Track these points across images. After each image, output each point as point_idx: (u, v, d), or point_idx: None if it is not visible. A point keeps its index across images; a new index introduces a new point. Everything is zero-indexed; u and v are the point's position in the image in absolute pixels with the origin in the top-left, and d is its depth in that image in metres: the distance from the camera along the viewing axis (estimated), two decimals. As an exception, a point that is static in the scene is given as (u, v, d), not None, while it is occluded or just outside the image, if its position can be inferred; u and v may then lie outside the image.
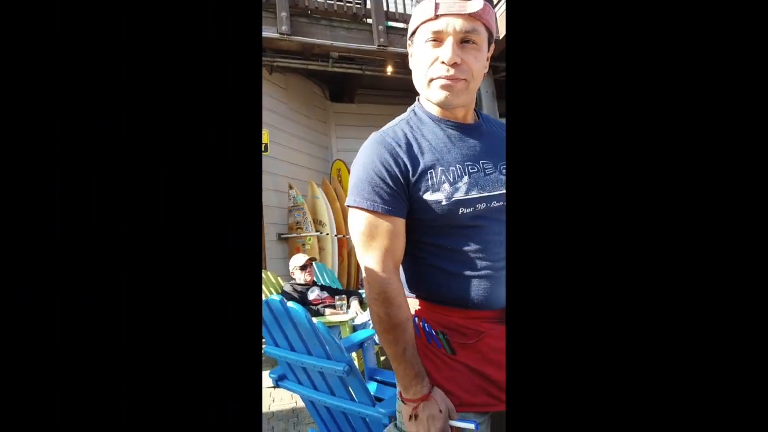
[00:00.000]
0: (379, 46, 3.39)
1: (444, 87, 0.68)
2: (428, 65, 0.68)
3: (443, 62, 0.67)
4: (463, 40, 0.67)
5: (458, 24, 0.66)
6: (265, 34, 3.08)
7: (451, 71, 0.67)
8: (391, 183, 0.69)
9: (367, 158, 0.71)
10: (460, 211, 0.70)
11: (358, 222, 0.71)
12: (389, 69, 3.62)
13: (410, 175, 0.69)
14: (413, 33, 0.72)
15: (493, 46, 0.73)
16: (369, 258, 0.71)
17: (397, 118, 0.77)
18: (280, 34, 3.19)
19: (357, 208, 0.71)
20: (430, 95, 0.71)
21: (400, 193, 0.70)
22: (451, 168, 0.71)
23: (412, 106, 0.77)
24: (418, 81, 0.72)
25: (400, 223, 0.70)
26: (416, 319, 0.74)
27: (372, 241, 0.70)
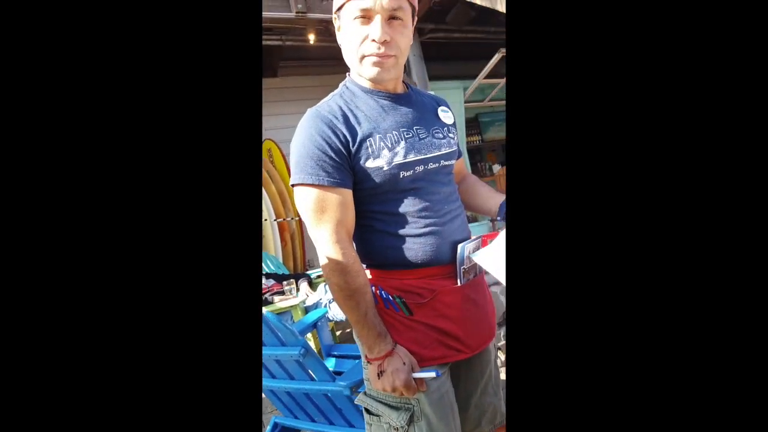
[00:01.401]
0: (297, 13, 3.18)
1: (375, 64, 0.73)
2: (359, 43, 0.73)
3: (374, 40, 0.71)
4: (391, 17, 0.71)
5: (386, 2, 0.70)
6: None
7: (382, 49, 0.72)
8: (333, 155, 0.71)
9: (305, 134, 0.73)
10: (401, 175, 0.74)
11: (307, 198, 0.73)
12: (311, 37, 3.44)
13: (350, 146, 0.72)
14: (339, 8, 0.74)
15: (415, 18, 0.78)
16: (322, 231, 0.73)
17: (331, 94, 0.79)
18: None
19: (303, 185, 0.72)
20: (362, 71, 0.75)
21: (343, 164, 0.72)
22: (387, 135, 0.74)
23: (344, 81, 0.81)
24: (349, 57, 0.76)
25: (348, 193, 0.73)
26: (373, 288, 0.78)
27: (323, 215, 0.72)
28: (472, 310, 0.81)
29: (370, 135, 0.73)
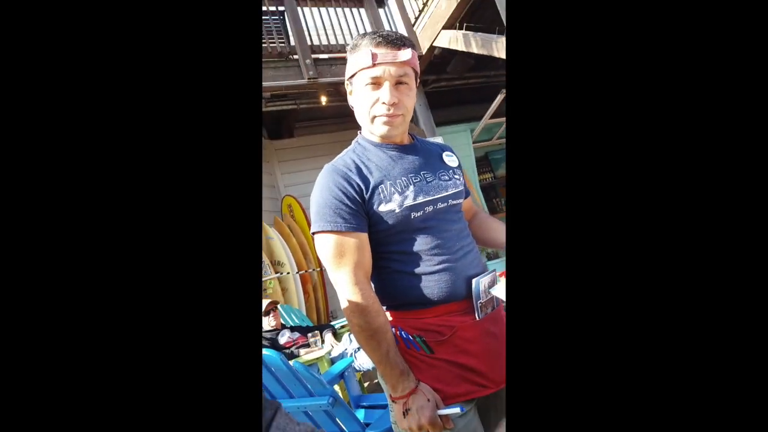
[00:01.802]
0: (309, 79, 3.45)
1: (386, 123, 0.82)
2: (370, 105, 0.82)
3: (384, 103, 0.80)
4: (398, 83, 0.81)
5: (393, 71, 0.80)
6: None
7: (391, 110, 0.81)
8: (349, 203, 0.78)
9: (323, 187, 0.80)
10: (412, 216, 0.80)
11: (326, 244, 0.78)
12: (323, 99, 3.69)
13: (364, 193, 0.79)
14: (352, 76, 0.84)
15: (418, 79, 0.88)
16: (341, 274, 0.78)
17: (344, 150, 0.88)
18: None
19: (322, 232, 0.79)
20: (373, 129, 0.84)
21: (358, 211, 0.79)
22: (397, 181, 0.81)
23: (356, 138, 0.90)
24: (362, 117, 0.85)
25: (364, 237, 0.79)
26: (393, 329, 0.81)
27: (341, 258, 0.77)
28: (493, 343, 0.82)
29: (381, 182, 0.80)
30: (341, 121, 4.18)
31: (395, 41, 0.81)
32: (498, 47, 2.80)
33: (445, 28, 3.20)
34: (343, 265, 0.77)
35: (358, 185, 0.79)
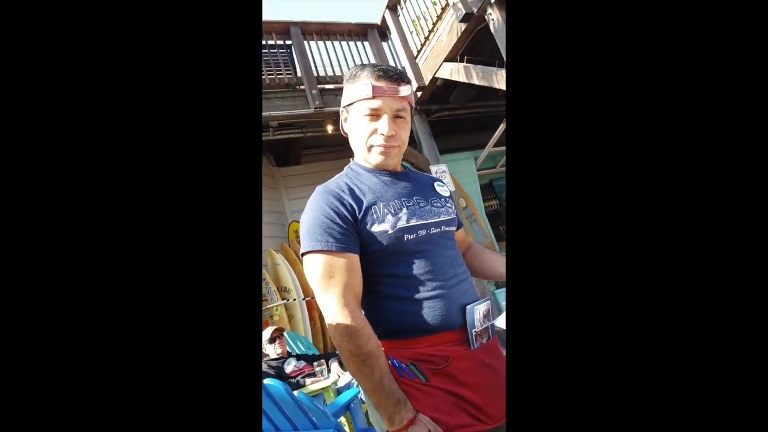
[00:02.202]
0: (315, 108, 3.55)
1: (382, 153, 0.84)
2: (368, 135, 0.83)
3: (382, 134, 0.82)
4: (395, 116, 0.83)
5: (393, 105, 0.82)
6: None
7: (389, 141, 0.83)
8: (340, 222, 0.76)
9: (314, 206, 0.79)
10: (405, 238, 0.78)
11: (315, 264, 0.75)
12: (329, 128, 3.78)
13: (357, 213, 0.78)
14: (350, 104, 0.85)
15: (412, 113, 0.91)
16: (329, 296, 0.74)
17: (337, 175, 0.88)
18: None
19: (311, 252, 0.76)
20: (369, 158, 0.85)
21: (350, 230, 0.76)
22: (390, 203, 0.81)
23: (348, 164, 0.90)
24: (358, 145, 0.86)
25: (355, 258, 0.76)
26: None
27: (330, 280, 0.74)
28: (489, 375, 0.78)
29: (374, 203, 0.79)
30: (346, 148, 4.25)
31: (395, 76, 0.83)
32: (498, 79, 2.88)
33: (446, 60, 3.30)
34: (332, 287, 0.73)
35: (351, 205, 0.78)
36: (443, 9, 3.27)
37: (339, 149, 4.40)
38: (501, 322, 0.80)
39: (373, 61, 3.87)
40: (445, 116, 4.19)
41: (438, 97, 3.84)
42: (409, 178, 0.89)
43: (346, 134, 0.90)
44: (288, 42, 3.79)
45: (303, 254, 0.77)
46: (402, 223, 0.78)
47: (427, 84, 3.59)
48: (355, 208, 0.78)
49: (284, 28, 3.64)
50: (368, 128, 0.83)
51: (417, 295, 0.77)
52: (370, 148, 0.84)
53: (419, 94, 3.68)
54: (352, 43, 3.89)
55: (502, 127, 3.99)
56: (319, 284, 0.75)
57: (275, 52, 3.73)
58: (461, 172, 4.40)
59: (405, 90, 0.83)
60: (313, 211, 0.78)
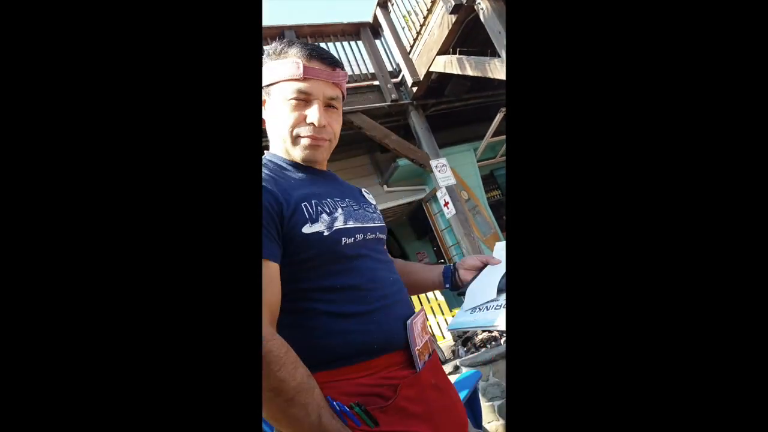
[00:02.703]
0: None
1: (311, 146, 0.71)
2: (294, 123, 0.70)
3: (312, 123, 0.70)
4: (328, 105, 0.72)
5: (327, 91, 0.71)
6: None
7: (319, 133, 0.71)
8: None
9: None
10: (343, 242, 0.66)
11: None
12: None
13: (283, 210, 0.63)
14: (271, 84, 0.72)
15: (342, 105, 0.79)
16: None
17: None
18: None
19: None
20: (293, 151, 0.72)
21: (271, 232, 0.61)
22: (323, 201, 0.68)
23: (264, 157, 0.75)
24: (279, 135, 0.72)
25: (274, 267, 0.60)
26: None
27: None
28: (436, 397, 0.68)
29: (306, 198, 0.66)
30: (349, 148, 4.28)
31: (330, 59, 0.72)
32: (491, 68, 2.89)
33: (439, 53, 3.31)
34: None
35: (277, 198, 0.63)
36: (433, 2, 3.28)
37: (337, 149, 4.41)
38: (501, 322, 0.69)
39: (368, 60, 3.89)
40: (442, 110, 4.19)
41: (433, 91, 3.85)
42: (336, 179, 0.80)
43: (265, 121, 0.75)
44: (281, 45, 3.82)
45: None
46: (339, 224, 0.66)
47: (422, 79, 3.60)
48: (282, 201, 0.63)
49: (279, 33, 3.67)
50: (294, 115, 0.70)
51: (359, 309, 0.64)
52: (295, 138, 0.71)
53: (415, 89, 3.69)
54: (345, 43, 3.91)
55: (499, 116, 3.99)
56: None
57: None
58: (462, 165, 4.41)
59: (340, 75, 0.73)
60: None
